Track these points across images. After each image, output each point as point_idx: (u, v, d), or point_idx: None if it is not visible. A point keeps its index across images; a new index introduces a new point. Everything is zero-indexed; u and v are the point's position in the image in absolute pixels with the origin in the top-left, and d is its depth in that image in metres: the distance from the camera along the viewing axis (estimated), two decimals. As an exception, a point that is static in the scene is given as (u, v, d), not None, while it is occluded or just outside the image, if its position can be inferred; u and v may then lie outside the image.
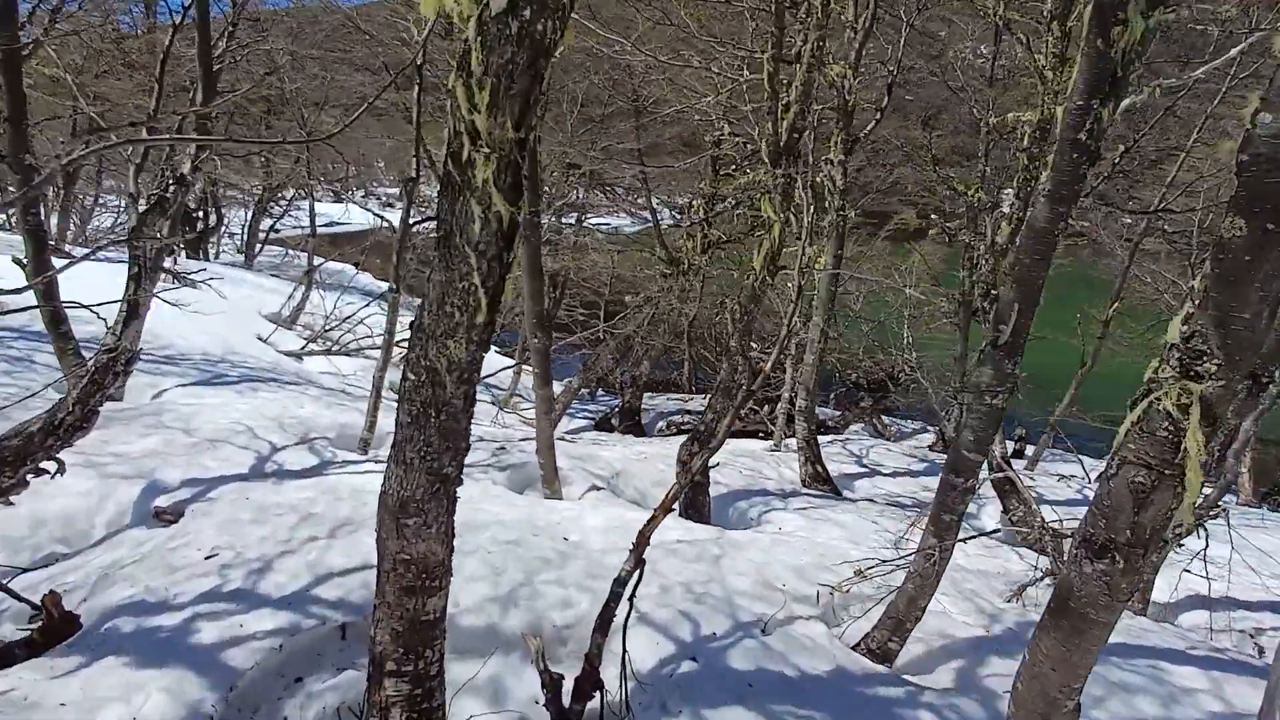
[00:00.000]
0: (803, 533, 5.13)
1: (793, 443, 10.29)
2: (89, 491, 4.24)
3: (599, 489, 5.71)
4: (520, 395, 13.25)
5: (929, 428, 13.76)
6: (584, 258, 11.21)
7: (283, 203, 22.89)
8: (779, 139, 5.87)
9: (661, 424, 13.27)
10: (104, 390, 3.96)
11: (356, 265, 21.50)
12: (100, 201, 20.14)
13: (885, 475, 8.07)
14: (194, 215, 20.73)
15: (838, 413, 13.64)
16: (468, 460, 2.44)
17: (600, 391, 15.27)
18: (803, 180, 5.90)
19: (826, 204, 7.18)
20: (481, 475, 5.51)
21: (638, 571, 2.95)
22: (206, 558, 3.50)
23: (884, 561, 3.85)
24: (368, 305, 11.43)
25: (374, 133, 15.13)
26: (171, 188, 4.27)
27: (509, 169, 2.17)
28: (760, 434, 12.26)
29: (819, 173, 7.14)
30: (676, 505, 5.96)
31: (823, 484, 7.21)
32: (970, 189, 10.63)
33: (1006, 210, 6.58)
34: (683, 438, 11.96)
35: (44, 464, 3.78)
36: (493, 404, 11.21)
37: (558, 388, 13.50)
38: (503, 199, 2.18)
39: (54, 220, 15.97)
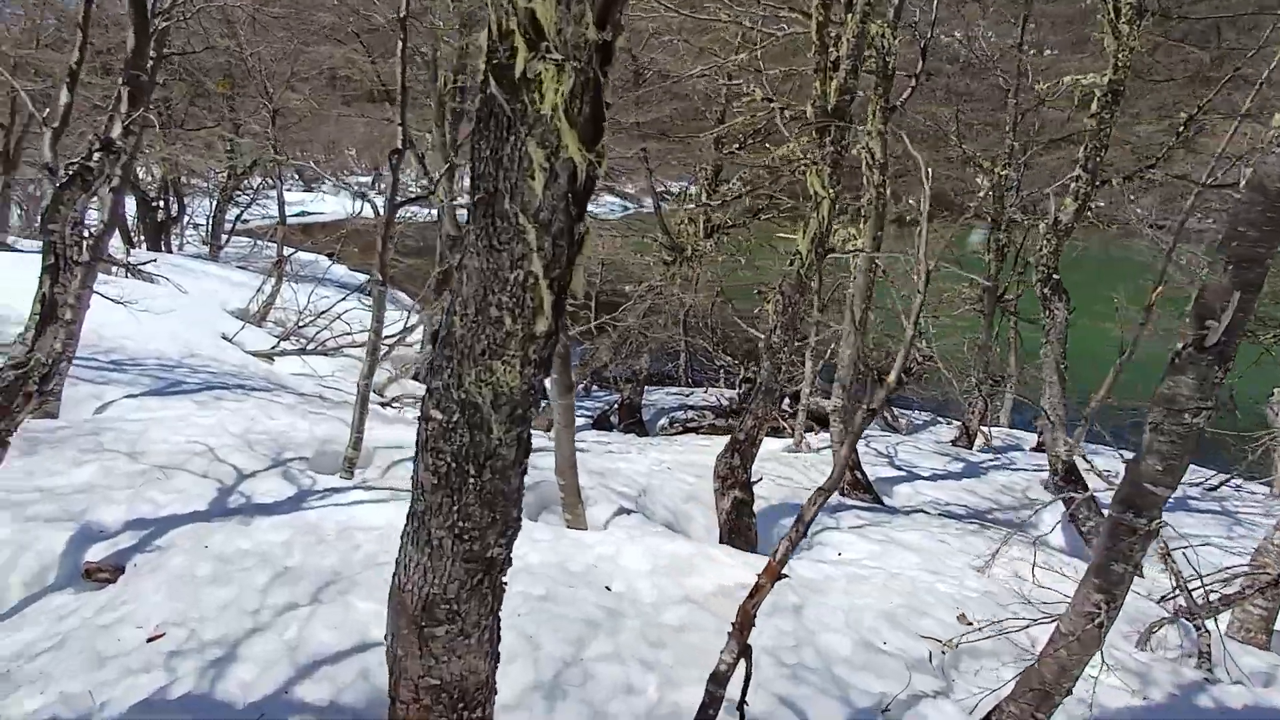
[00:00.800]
0: (871, 560, 4.38)
1: (813, 441, 9.61)
2: (3, 542, 3.34)
3: (628, 511, 4.92)
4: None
5: (940, 420, 13.16)
6: None
7: (249, 191, 21.58)
8: (827, 102, 5.08)
9: (663, 421, 12.50)
10: (12, 418, 3.07)
11: (331, 255, 20.34)
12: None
13: (924, 479, 7.38)
14: (154, 204, 19.43)
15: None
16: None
17: (595, 387, 14.44)
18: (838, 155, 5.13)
19: (865, 180, 6.41)
20: (491, 500, 4.67)
21: (743, 663, 2.17)
22: (150, 639, 2.65)
23: (1019, 617, 3.10)
24: (345, 298, 10.46)
25: (344, 115, 14.03)
26: (97, 156, 3.36)
27: (588, 92, 1.37)
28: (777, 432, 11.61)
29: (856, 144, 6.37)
30: (718, 529, 5.21)
31: (863, 492, 6.49)
32: (997, 166, 9.97)
33: (1072, 186, 5.88)
34: (689, 438, 11.27)
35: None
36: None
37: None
38: (577, 140, 1.38)
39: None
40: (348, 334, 9.11)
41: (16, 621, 2.92)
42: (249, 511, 3.80)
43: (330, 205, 31.89)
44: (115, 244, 11.54)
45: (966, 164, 10.36)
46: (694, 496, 5.62)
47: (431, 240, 21.41)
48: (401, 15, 4.90)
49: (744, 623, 2.15)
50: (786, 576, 2.24)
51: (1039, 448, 9.51)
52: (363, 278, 20.77)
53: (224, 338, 8.26)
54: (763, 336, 12.35)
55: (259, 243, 23.10)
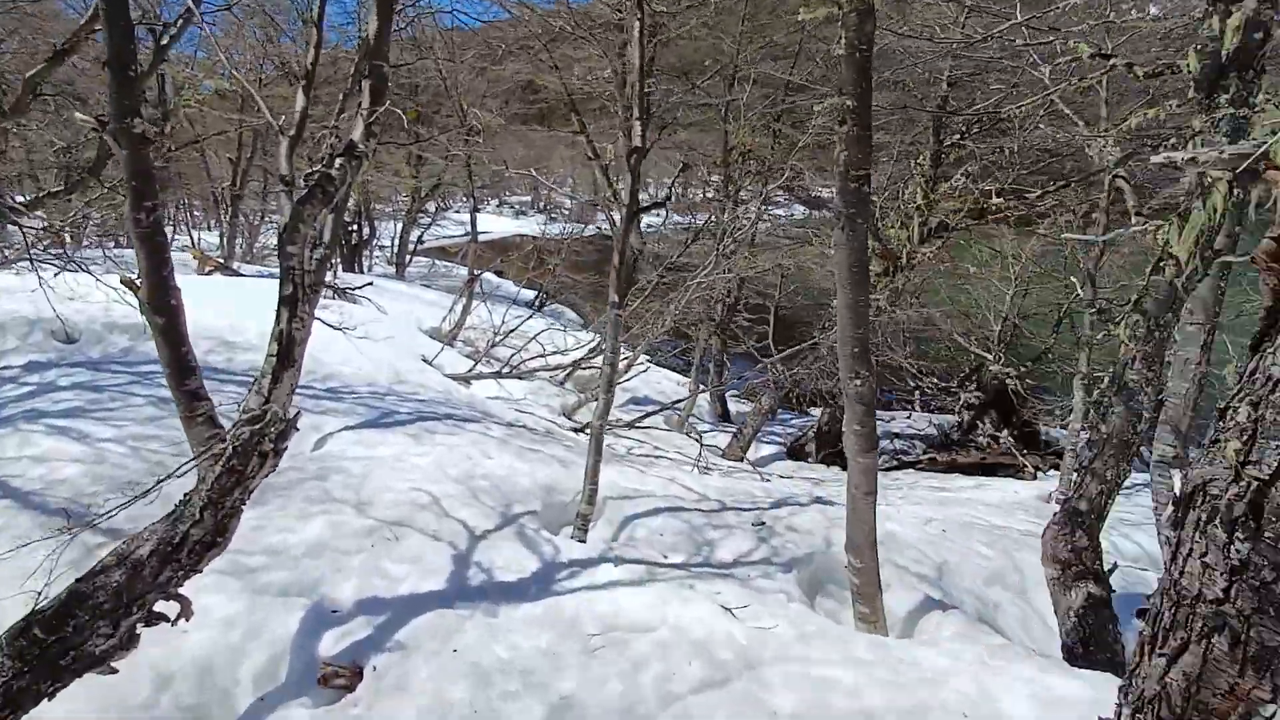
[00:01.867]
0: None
1: (1052, 488, 7.83)
2: (233, 620, 2.83)
3: (935, 602, 3.73)
4: (695, 417, 11.56)
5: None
6: (758, 254, 9.25)
7: (429, 213, 22.71)
8: (1221, 44, 3.65)
9: (866, 451, 10.97)
10: (246, 483, 2.51)
11: (499, 273, 20.75)
12: (266, 219, 20.65)
13: None
14: (349, 228, 20.92)
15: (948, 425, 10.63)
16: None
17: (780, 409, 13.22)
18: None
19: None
20: (764, 579, 3.70)
21: None
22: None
23: None
24: (530, 318, 10.09)
25: (535, 131, 13.99)
26: (339, 163, 2.80)
27: None
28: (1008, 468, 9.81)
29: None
30: (1060, 634, 3.86)
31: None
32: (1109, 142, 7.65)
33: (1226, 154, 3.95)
34: (906, 474, 9.76)
35: (159, 606, 2.39)
36: (667, 430, 9.54)
37: (730, 403, 11.51)
38: None
39: (221, 239, 16.16)
40: (541, 356, 8.65)
41: (250, 746, 2.31)
42: (492, 594, 3.08)
43: (488, 224, 33.28)
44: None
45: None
46: (998, 577, 4.31)
47: (589, 256, 21.40)
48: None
49: None
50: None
51: None
52: (528, 293, 21.16)
53: (424, 360, 8.05)
54: (988, 357, 10.58)
55: (437, 262, 24.32)
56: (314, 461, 4.51)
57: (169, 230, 15.70)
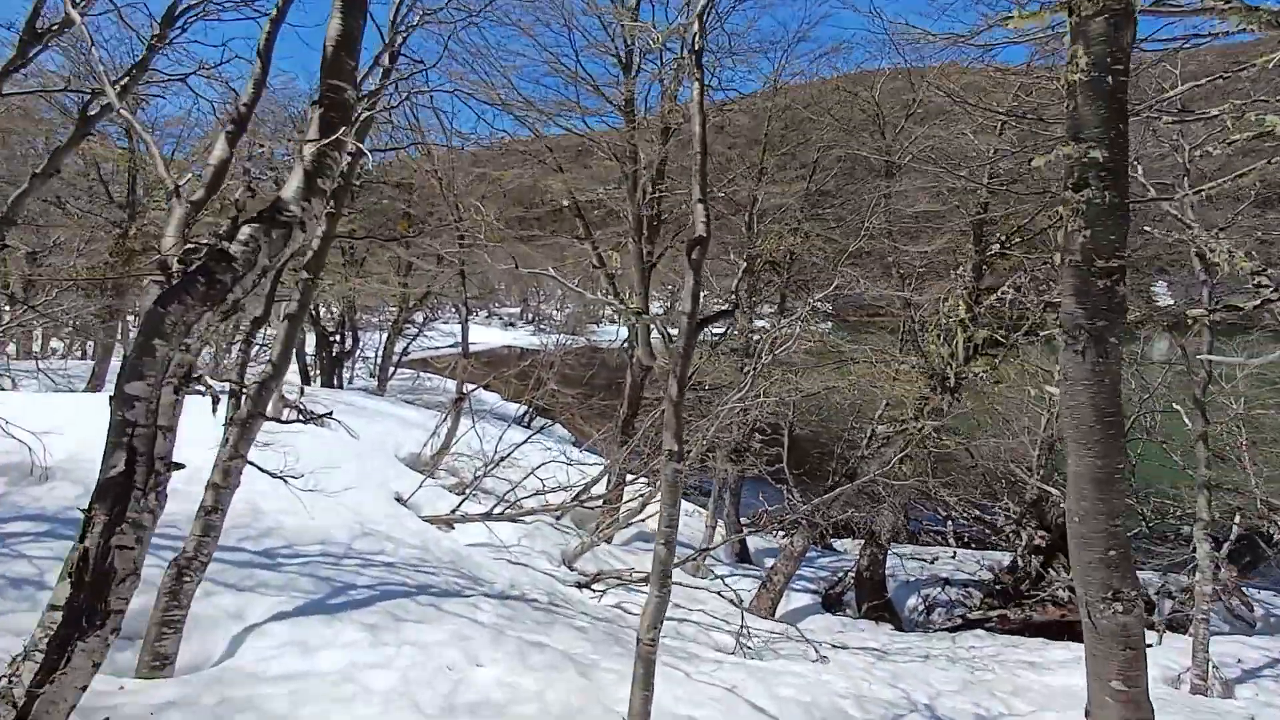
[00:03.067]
0: None
1: (1182, 667, 6.29)
2: None
3: None
4: (712, 557, 9.97)
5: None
6: (800, 374, 8.10)
7: (416, 324, 21.76)
8: None
9: (915, 601, 9.36)
10: None
11: (486, 386, 19.50)
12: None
13: None
14: (331, 339, 19.79)
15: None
16: None
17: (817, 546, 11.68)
18: None
19: None
20: None
21: None
22: None
23: None
24: (524, 442, 8.73)
25: (535, 236, 13.30)
26: (247, 234, 1.60)
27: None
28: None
29: None
30: None
31: None
32: None
33: None
34: (976, 638, 8.06)
35: None
36: (691, 577, 8.00)
37: (751, 537, 9.54)
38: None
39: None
40: (540, 494, 7.22)
41: None
42: None
43: (477, 335, 32.51)
44: (291, 381, 10.79)
45: None
46: None
47: (584, 370, 20.30)
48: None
49: None
50: None
51: None
52: (513, 407, 19.82)
53: (398, 500, 6.60)
54: (1055, 492, 9.22)
55: (421, 375, 23.08)
56: (216, 685, 3.01)
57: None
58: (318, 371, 19.49)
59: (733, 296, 3.14)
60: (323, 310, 21.11)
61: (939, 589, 9.57)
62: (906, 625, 8.90)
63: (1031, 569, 8.90)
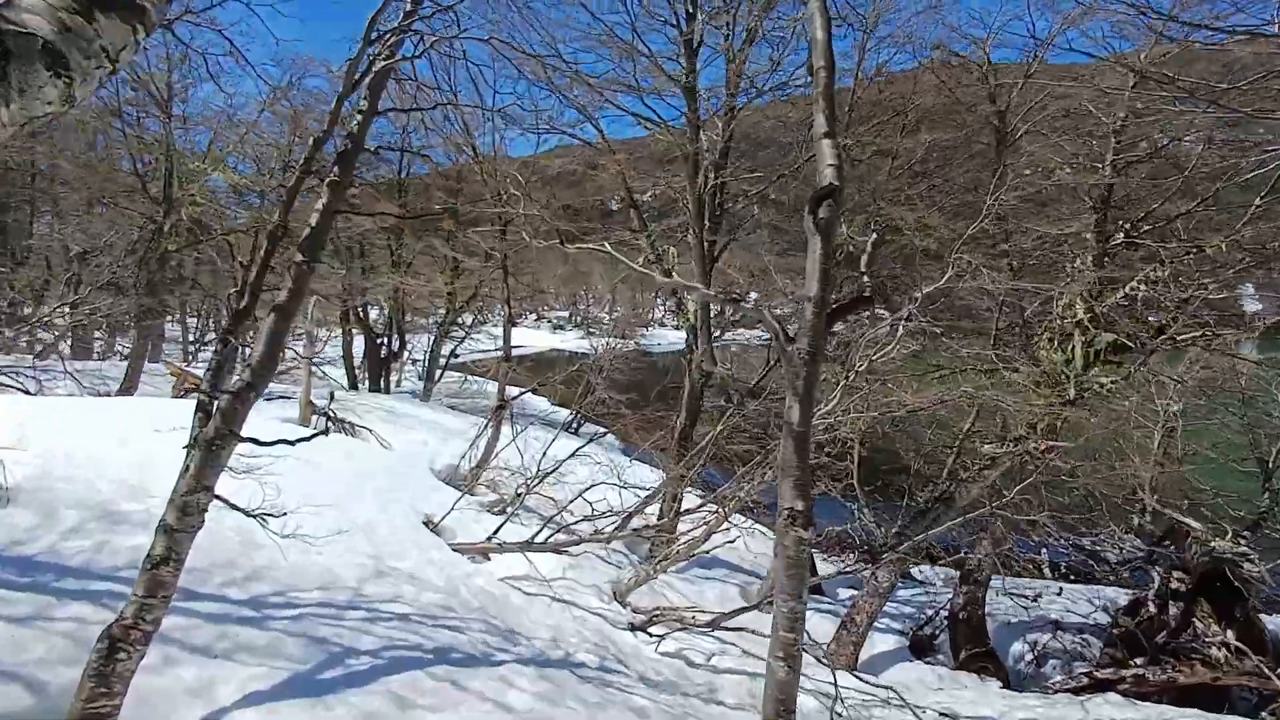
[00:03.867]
0: None
1: None
2: None
3: None
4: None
5: None
6: (901, 382, 6.93)
7: (464, 326, 21.25)
8: None
9: (1020, 648, 8.01)
10: None
11: (534, 391, 18.74)
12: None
13: None
14: (378, 341, 19.38)
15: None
16: None
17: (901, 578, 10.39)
18: None
19: None
20: None
21: None
22: None
23: None
24: (571, 456, 7.78)
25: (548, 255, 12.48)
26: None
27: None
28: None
29: None
30: None
31: None
32: None
33: None
34: (1108, 703, 6.64)
35: None
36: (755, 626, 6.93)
37: (819, 564, 8.13)
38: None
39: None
40: (590, 519, 6.27)
41: None
42: None
43: (525, 338, 31.98)
44: (319, 390, 10.16)
45: None
46: None
47: (635, 376, 19.30)
48: None
49: None
50: None
51: None
52: (563, 414, 18.98)
53: (426, 525, 5.75)
54: (1195, 525, 7.78)
55: (469, 379, 22.54)
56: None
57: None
58: (365, 375, 19.12)
59: (865, 280, 2.24)
60: (373, 312, 20.82)
61: (1049, 634, 8.23)
62: (1014, 679, 7.60)
63: (1170, 618, 7.47)
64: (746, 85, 8.63)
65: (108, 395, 9.07)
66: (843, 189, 2.12)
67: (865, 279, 2.38)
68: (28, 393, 7.87)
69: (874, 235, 2.38)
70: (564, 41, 7.05)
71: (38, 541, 3.45)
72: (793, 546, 1.82)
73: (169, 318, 17.34)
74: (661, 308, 60.17)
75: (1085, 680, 6.90)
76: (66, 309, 9.94)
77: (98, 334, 14.59)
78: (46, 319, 9.05)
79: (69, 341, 14.21)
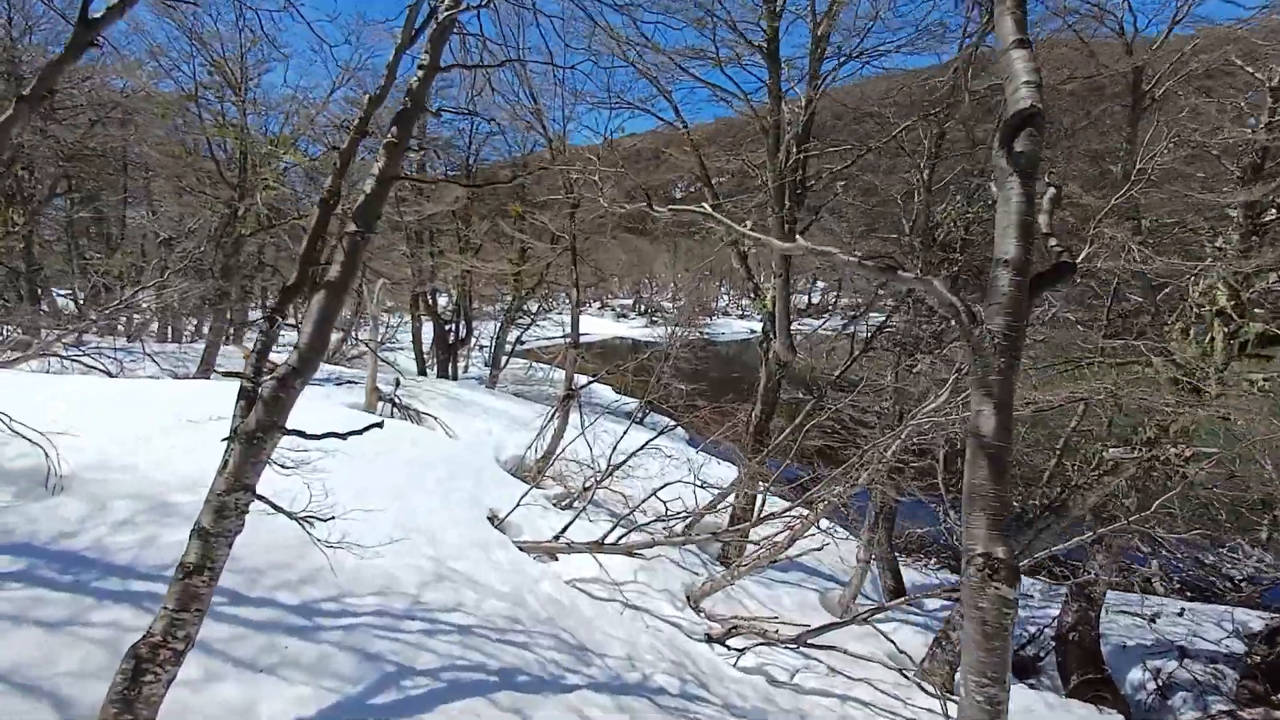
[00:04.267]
0: None
1: None
2: None
3: None
4: (869, 597, 8.20)
5: None
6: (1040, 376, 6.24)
7: (530, 314, 21.13)
8: None
9: (1140, 675, 7.06)
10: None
11: (599, 379, 18.43)
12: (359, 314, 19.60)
13: None
14: (446, 328, 19.49)
15: None
16: None
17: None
18: None
19: None
20: None
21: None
22: None
23: None
24: (642, 449, 7.34)
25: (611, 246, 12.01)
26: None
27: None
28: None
29: None
30: None
31: None
32: None
33: None
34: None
35: None
36: (847, 639, 6.36)
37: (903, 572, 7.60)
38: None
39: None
40: (663, 519, 5.82)
41: None
42: None
43: (589, 325, 31.80)
44: (384, 376, 10.04)
45: None
46: None
47: (701, 365, 18.75)
48: None
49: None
50: None
51: None
52: (631, 403, 18.64)
53: (491, 521, 5.42)
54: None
55: (534, 365, 22.49)
56: None
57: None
58: (433, 361, 19.27)
59: (1052, 244, 1.72)
60: (442, 299, 20.98)
61: (1174, 661, 7.31)
62: (1135, 711, 6.75)
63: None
64: (834, 51, 7.94)
65: (186, 377, 9.21)
66: (1043, 114, 1.55)
67: (1053, 243, 1.80)
68: (109, 374, 8.02)
69: (1051, 190, 1.86)
70: (642, 4, 6.52)
71: (85, 534, 3.24)
72: (991, 609, 1.29)
73: (252, 303, 17.82)
74: (726, 296, 59.11)
75: (1226, 719, 6.02)
76: (151, 292, 10.14)
77: (186, 317, 15.09)
78: (128, 302, 9.24)
79: (156, 325, 14.75)
